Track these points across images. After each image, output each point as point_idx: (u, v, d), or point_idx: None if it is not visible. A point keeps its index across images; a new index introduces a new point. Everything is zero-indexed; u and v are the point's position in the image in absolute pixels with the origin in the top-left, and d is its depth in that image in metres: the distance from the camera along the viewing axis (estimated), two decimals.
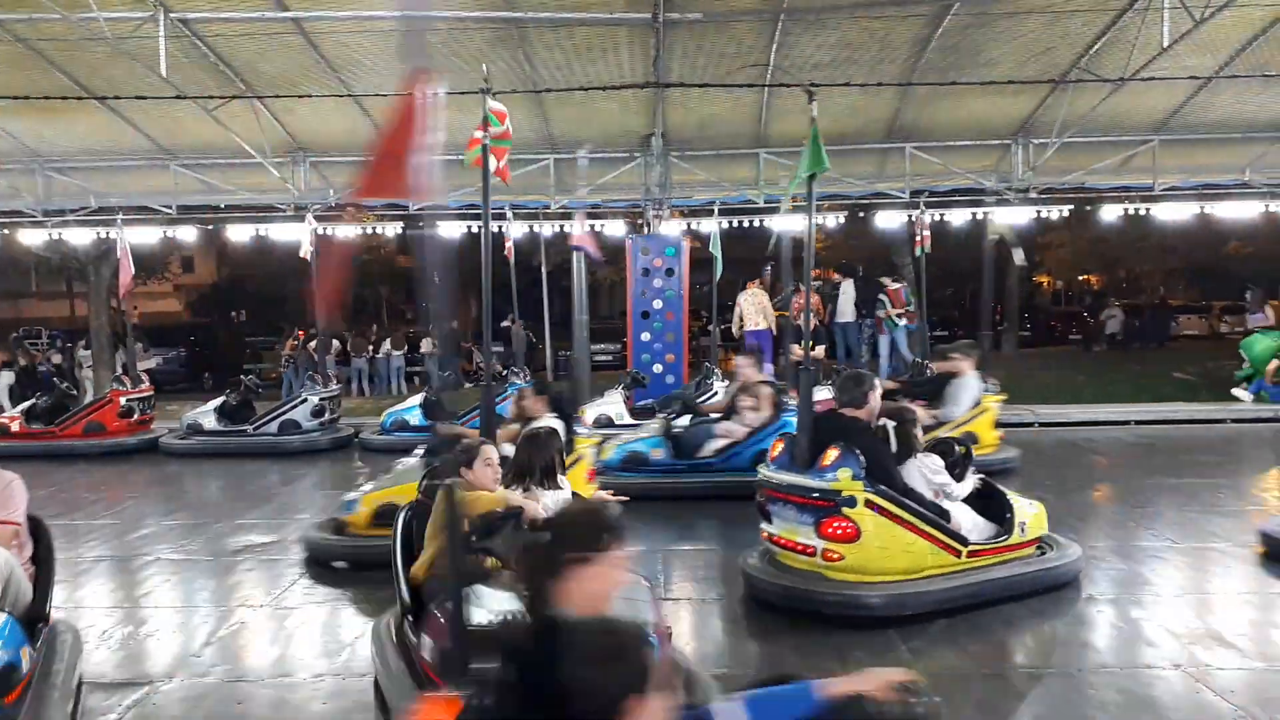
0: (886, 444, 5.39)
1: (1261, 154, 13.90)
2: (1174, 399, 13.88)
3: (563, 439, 6.20)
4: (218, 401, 12.49)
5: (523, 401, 7.09)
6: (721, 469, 8.48)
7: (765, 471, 5.62)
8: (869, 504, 5.03)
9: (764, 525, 5.58)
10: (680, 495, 8.26)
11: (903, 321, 14.43)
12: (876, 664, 2.41)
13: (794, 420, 8.25)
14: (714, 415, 9.20)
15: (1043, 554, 5.62)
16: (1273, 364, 12.54)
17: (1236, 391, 13.32)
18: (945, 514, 5.26)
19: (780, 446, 5.69)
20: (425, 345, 22.31)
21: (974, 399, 9.27)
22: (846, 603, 5.04)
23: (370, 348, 22.13)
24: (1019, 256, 12.85)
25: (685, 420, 9.42)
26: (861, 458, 5.12)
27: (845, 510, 5.04)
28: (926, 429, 8.58)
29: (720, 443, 8.62)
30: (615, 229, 15.65)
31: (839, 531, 5.06)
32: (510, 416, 7.30)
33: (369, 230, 16.67)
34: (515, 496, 4.41)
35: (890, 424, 5.49)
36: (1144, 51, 10.44)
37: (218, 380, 21.77)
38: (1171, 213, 15.26)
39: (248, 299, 36.77)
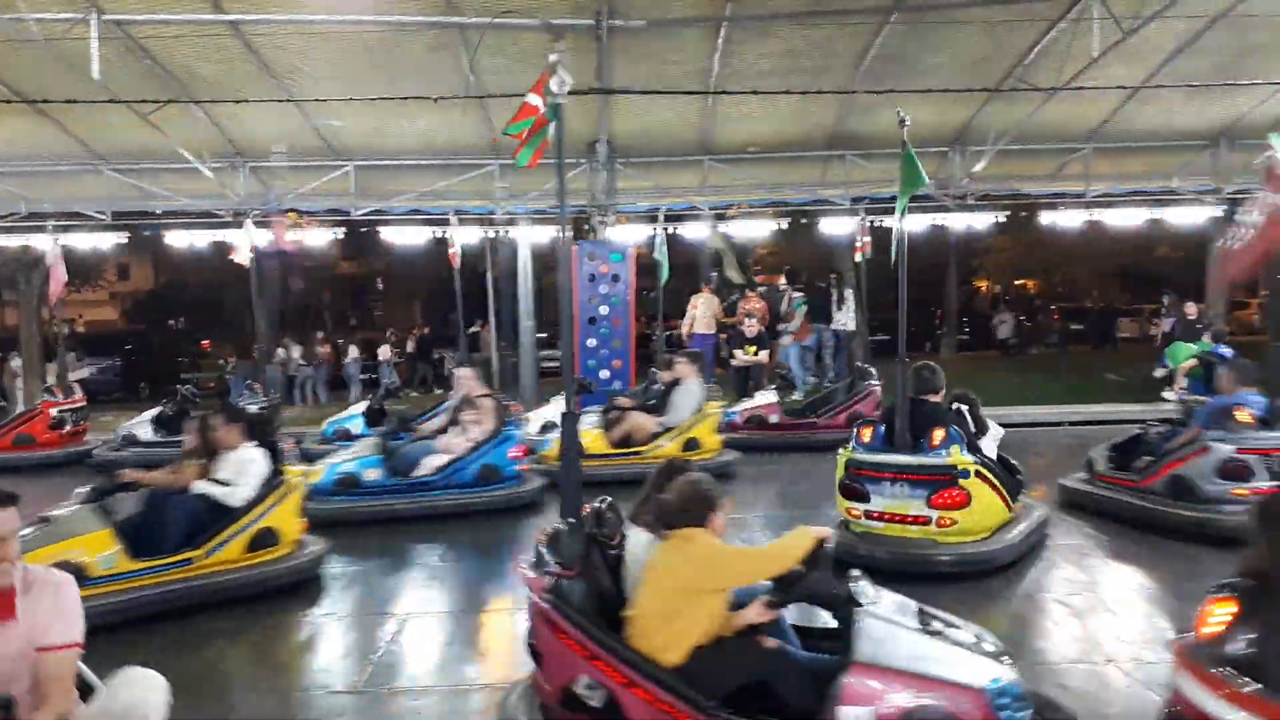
0: (965, 422, 6.24)
1: (1188, 162, 14.35)
2: (1109, 400, 14.25)
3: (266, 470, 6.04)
4: (154, 411, 12.18)
5: (212, 432, 6.11)
6: (444, 487, 8.16)
7: (862, 455, 6.35)
8: (978, 474, 5.95)
9: (853, 503, 6.28)
10: (397, 518, 7.89)
11: (786, 340, 14.41)
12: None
13: (518, 433, 8.71)
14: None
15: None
16: (1185, 364, 12.73)
17: (1166, 394, 13.64)
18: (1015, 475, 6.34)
19: (870, 432, 6.48)
20: (383, 352, 22.13)
21: (696, 405, 9.69)
22: (965, 560, 5.92)
23: (327, 351, 21.81)
24: (735, 275, 12.60)
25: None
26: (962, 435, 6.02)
27: (961, 482, 5.91)
28: (654, 435, 9.35)
29: (441, 459, 8.26)
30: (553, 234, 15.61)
31: (953, 500, 5.91)
32: (189, 448, 6.30)
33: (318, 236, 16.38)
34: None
35: (964, 406, 6.38)
36: (1075, 62, 10.73)
37: (155, 390, 21.29)
38: (1109, 218, 15.64)
39: (186, 306, 36.02)
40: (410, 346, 23.50)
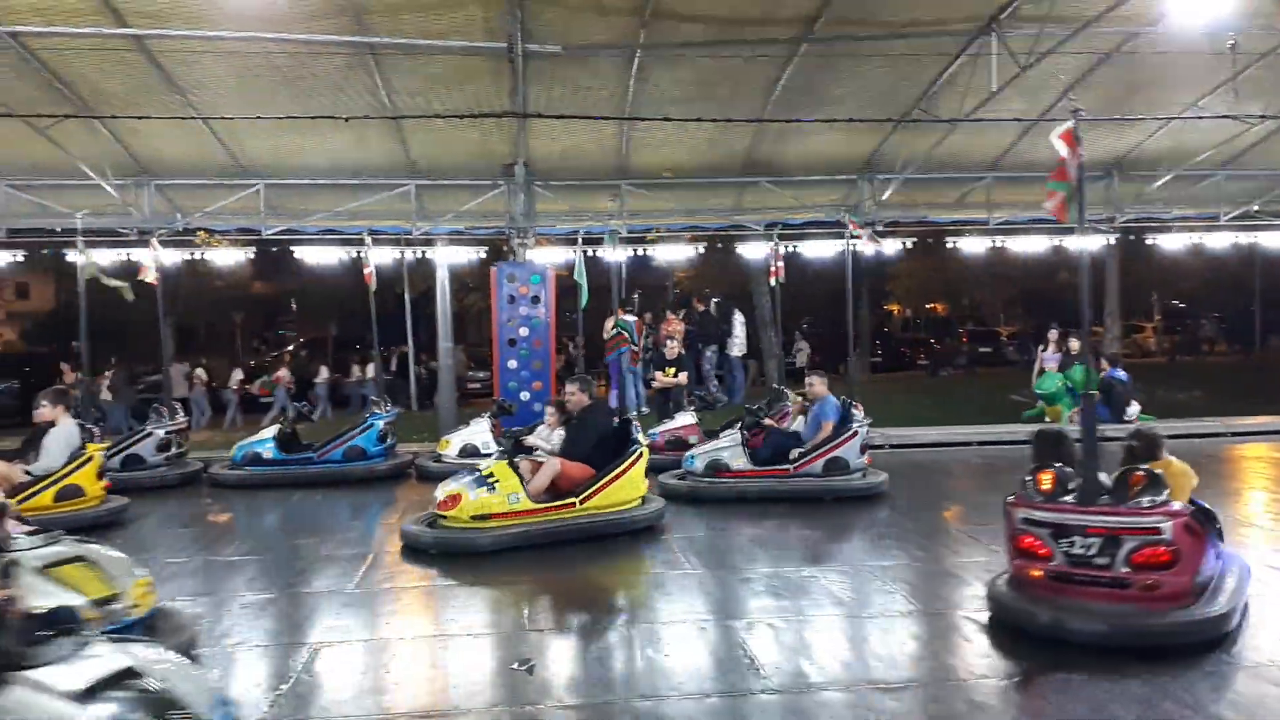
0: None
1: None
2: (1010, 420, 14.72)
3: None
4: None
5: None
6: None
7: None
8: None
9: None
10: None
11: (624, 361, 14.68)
12: None
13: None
14: None
15: None
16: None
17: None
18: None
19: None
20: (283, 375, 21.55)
21: (69, 448, 8.76)
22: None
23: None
24: (126, 292, 12.46)
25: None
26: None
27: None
28: (22, 487, 8.20)
29: None
30: (470, 255, 15.63)
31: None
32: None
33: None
34: None
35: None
36: (976, 95, 11.18)
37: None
38: (1012, 245, 16.22)
39: (90, 327, 34.68)
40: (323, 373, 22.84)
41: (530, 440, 8.66)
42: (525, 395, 13.12)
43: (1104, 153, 14.14)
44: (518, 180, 13.01)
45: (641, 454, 8.04)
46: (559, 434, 8.65)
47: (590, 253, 15.41)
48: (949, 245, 17.13)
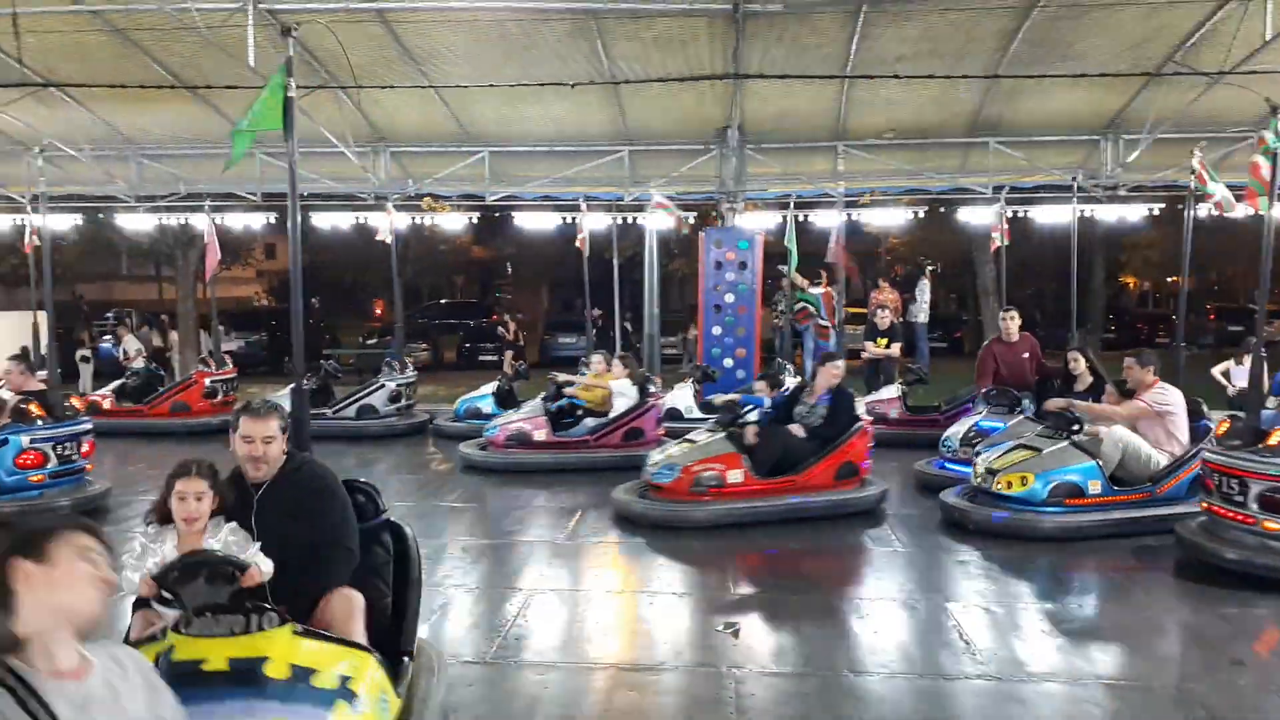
0: None
1: None
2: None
3: None
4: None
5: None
6: None
7: None
8: None
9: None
10: None
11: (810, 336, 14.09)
12: None
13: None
14: None
15: None
16: None
17: None
18: None
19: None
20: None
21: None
22: None
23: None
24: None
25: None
26: None
27: None
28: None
29: None
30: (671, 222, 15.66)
31: None
32: None
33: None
34: None
35: None
36: (1244, 45, 10.00)
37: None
38: (1275, 213, 14.54)
39: (326, 285, 37.63)
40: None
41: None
42: (729, 362, 13.07)
43: None
44: (730, 144, 12.87)
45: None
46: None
47: (803, 217, 15.10)
48: (1199, 213, 15.48)
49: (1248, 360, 11.72)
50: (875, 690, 4.15)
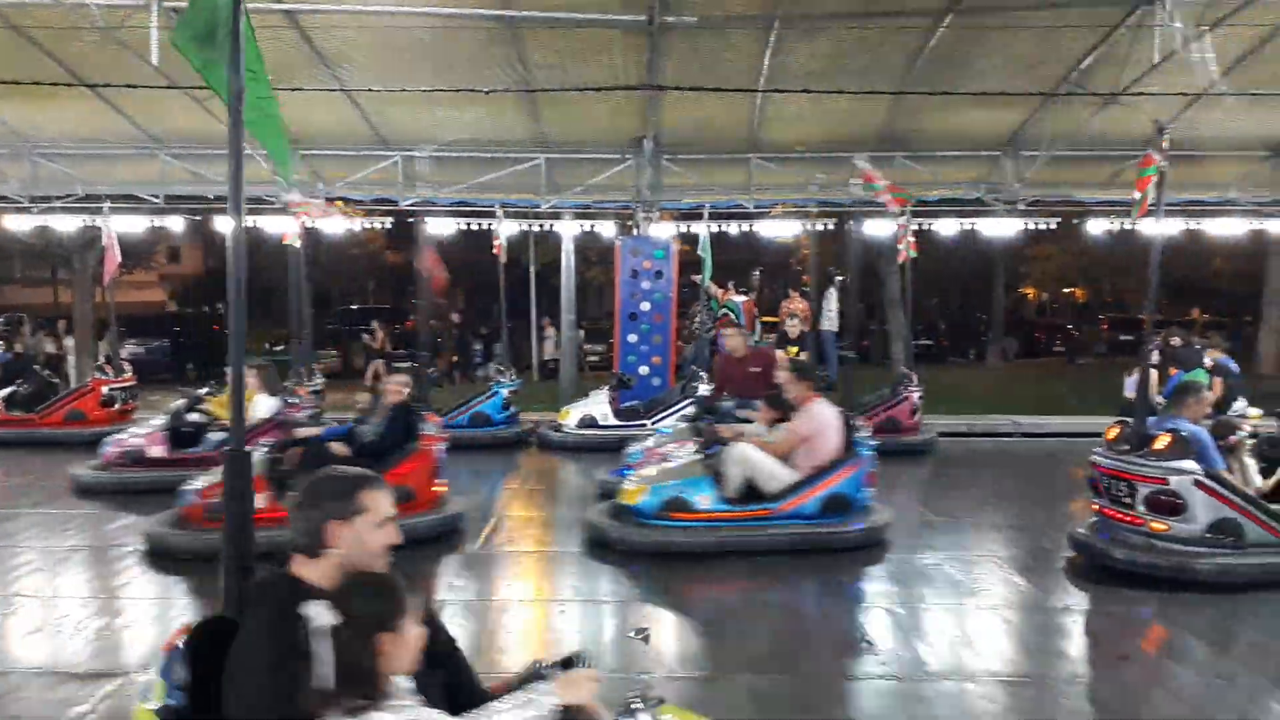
0: None
1: (1248, 172, 14.02)
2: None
3: None
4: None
5: None
6: None
7: None
8: None
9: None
10: None
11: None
12: None
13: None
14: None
15: None
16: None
17: None
18: None
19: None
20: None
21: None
22: None
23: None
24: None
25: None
26: None
27: None
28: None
29: None
30: (605, 230, 15.72)
31: None
32: None
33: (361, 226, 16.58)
34: None
35: None
36: (1135, 68, 10.53)
37: (201, 371, 21.62)
38: (1158, 229, 15.28)
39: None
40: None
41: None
42: (644, 369, 13.16)
43: (1274, 131, 13.14)
44: (646, 154, 12.97)
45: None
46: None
47: (716, 227, 15.29)
48: (1093, 228, 16.16)
49: (1138, 372, 12.36)
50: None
